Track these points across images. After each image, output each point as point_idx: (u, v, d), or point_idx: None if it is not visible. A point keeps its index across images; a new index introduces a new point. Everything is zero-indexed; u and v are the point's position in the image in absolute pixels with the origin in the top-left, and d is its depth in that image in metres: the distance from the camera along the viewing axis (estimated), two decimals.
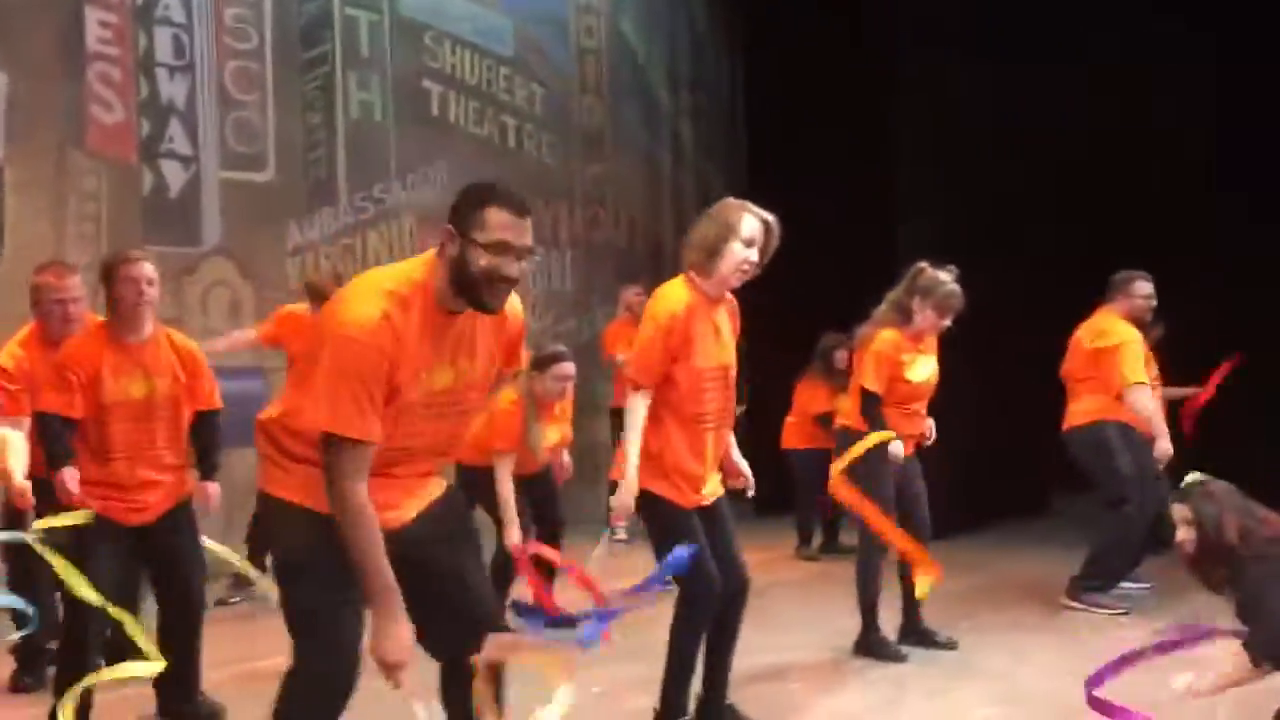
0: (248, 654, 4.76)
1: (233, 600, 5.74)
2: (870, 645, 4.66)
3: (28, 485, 3.69)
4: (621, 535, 7.90)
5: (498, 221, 2.36)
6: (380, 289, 2.38)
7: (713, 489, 3.57)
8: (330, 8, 7.71)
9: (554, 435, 5.24)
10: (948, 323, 4.65)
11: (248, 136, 7.23)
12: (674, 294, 3.45)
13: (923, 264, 4.67)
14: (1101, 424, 5.51)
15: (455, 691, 2.60)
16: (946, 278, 4.61)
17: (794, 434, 7.34)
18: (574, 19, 9.41)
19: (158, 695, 3.92)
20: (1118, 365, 5.36)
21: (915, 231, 7.32)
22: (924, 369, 4.69)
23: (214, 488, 4.04)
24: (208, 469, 4.04)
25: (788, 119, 9.36)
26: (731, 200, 3.56)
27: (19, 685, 4.30)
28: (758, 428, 7.06)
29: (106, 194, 6.48)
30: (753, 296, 3.67)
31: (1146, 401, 5.32)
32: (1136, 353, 5.43)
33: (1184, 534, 2.93)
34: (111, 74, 6.55)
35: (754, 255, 3.42)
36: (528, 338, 2.86)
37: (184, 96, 6.90)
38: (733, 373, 3.56)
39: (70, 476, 3.67)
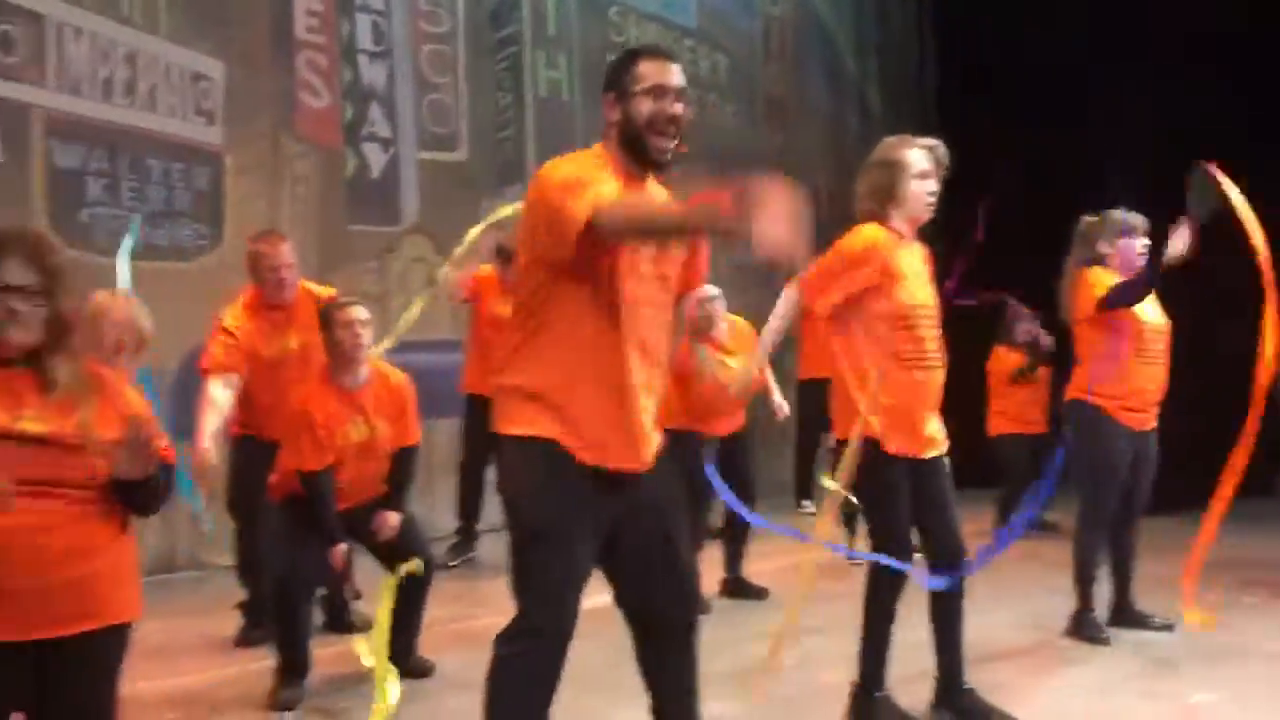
0: (462, 614, 4.97)
1: (451, 564, 5.96)
2: (1082, 626, 4.46)
3: (210, 449, 4.02)
4: (812, 508, 7.86)
5: (648, 69, 2.48)
6: (573, 157, 2.50)
7: (936, 445, 3.40)
8: None
9: (735, 364, 5.11)
10: (1143, 242, 4.34)
11: (442, 117, 7.46)
12: (873, 231, 3.33)
13: (1085, 217, 4.43)
14: None
15: (667, 660, 2.60)
16: (1113, 210, 4.40)
17: (1000, 420, 7.12)
18: None
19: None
20: None
21: (1110, 194, 6.94)
22: (1150, 309, 4.37)
23: (395, 518, 4.12)
24: (396, 502, 4.16)
25: (978, 82, 9.02)
26: (889, 139, 3.45)
27: (245, 640, 4.56)
28: (956, 405, 6.88)
29: (314, 176, 6.82)
30: (940, 277, 3.53)
31: None
32: None
33: None
34: (318, 61, 6.87)
35: (933, 185, 3.34)
36: None
37: (383, 81, 7.17)
38: (935, 315, 3.42)
39: (340, 553, 3.97)
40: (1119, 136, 7.76)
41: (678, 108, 2.48)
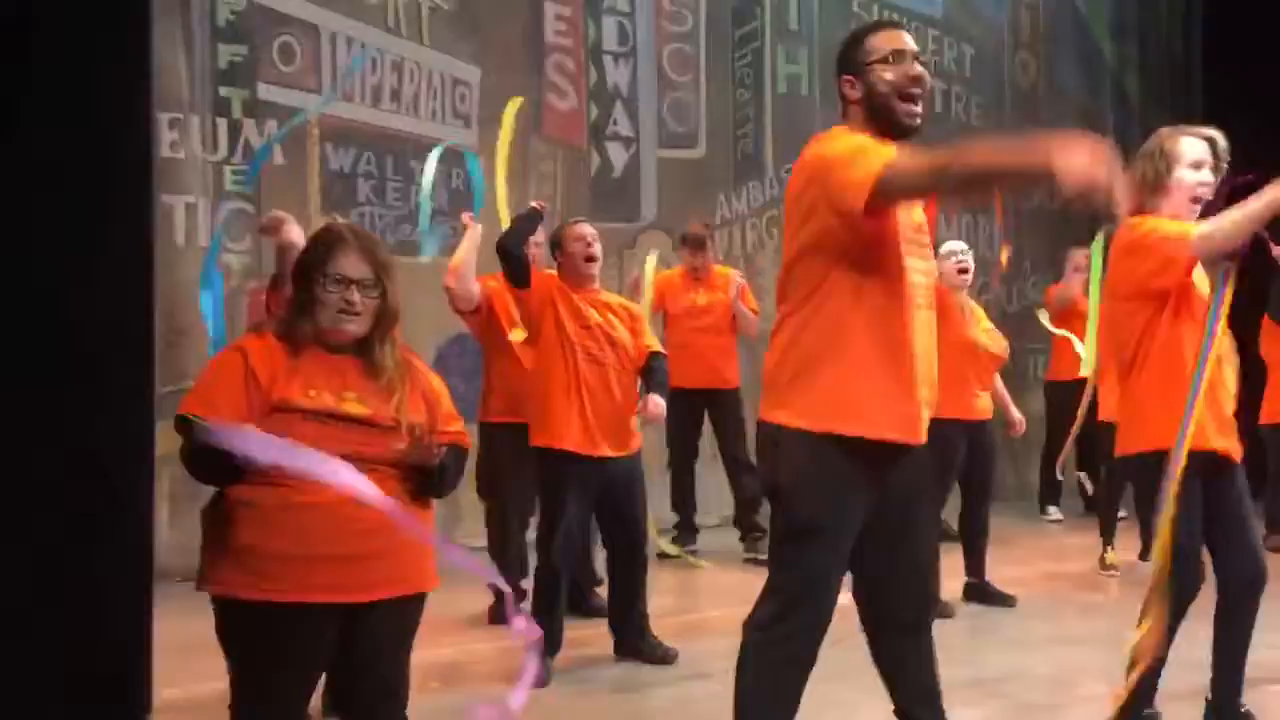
0: (687, 606, 5.04)
1: (672, 554, 6.05)
2: None
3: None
4: (1056, 514, 7.53)
5: (881, 40, 2.47)
6: (834, 133, 2.48)
7: (1229, 444, 3.13)
8: None
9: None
10: None
11: (682, 115, 7.56)
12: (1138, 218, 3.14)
13: None
14: None
15: (903, 660, 2.57)
16: None
17: (1275, 409, 6.55)
18: None
19: (614, 634, 4.23)
20: None
21: None
22: None
23: (659, 401, 4.12)
24: (655, 387, 4.20)
25: (1250, 66, 8.36)
26: (1162, 130, 3.24)
27: (496, 617, 4.73)
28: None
29: (560, 175, 7.05)
30: None
31: None
32: None
33: None
34: (566, 63, 7.10)
35: (1207, 176, 3.11)
36: None
37: (627, 81, 7.34)
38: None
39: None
40: None
41: (918, 68, 2.46)
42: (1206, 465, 3.08)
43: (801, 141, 8.67)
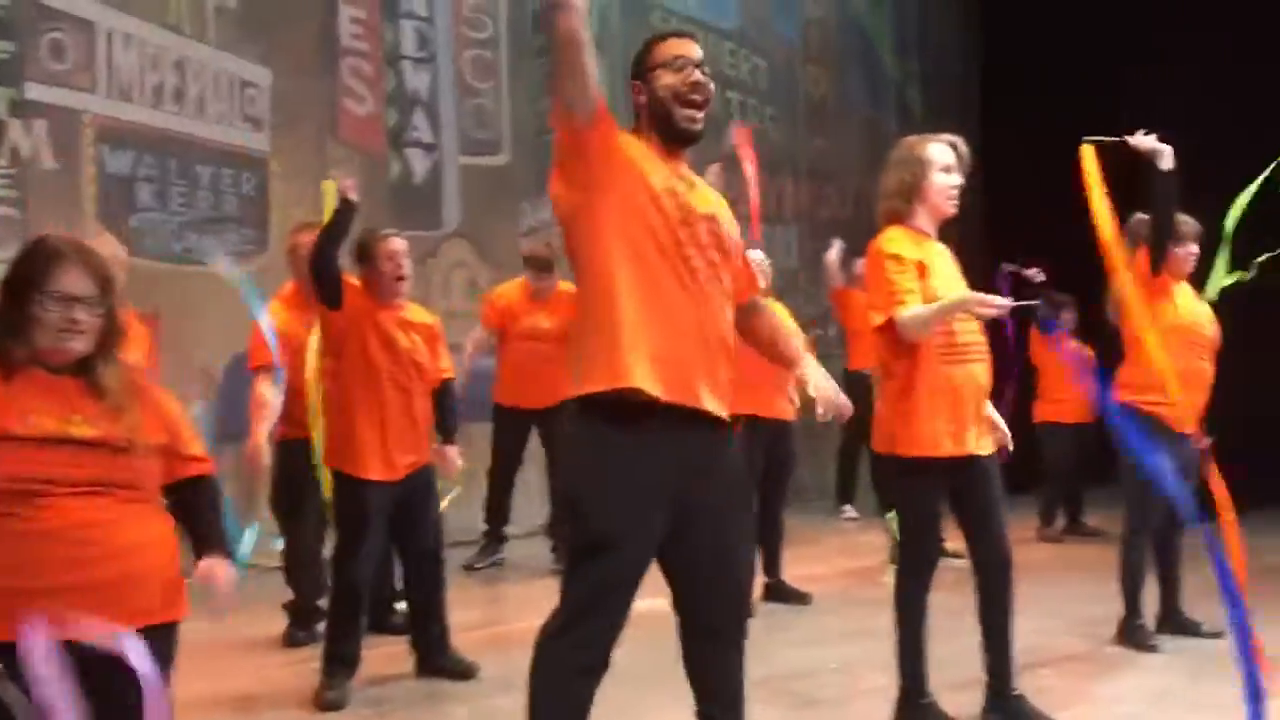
0: (494, 618, 5.00)
1: (477, 566, 6.00)
2: (1130, 633, 4.42)
3: (263, 448, 4.15)
4: (851, 513, 7.84)
5: (666, 48, 2.53)
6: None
7: (981, 443, 3.35)
8: None
9: None
10: (1192, 250, 4.30)
11: (484, 122, 7.51)
12: (896, 235, 3.34)
13: (1136, 215, 4.37)
14: None
15: (715, 664, 2.58)
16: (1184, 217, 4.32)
17: (1046, 407, 7.03)
18: None
19: (414, 651, 4.15)
20: None
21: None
22: (1192, 301, 4.33)
23: (454, 450, 4.22)
24: (449, 433, 4.22)
25: (1025, 80, 8.95)
26: (908, 139, 3.46)
27: (292, 640, 4.60)
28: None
29: (358, 181, 6.85)
30: (988, 274, 3.51)
31: None
32: None
33: None
34: (362, 67, 6.94)
35: (957, 179, 3.33)
36: None
37: (426, 87, 7.23)
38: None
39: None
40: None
41: (700, 75, 2.49)
42: (958, 467, 3.31)
43: None
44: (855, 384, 7.00)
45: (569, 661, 2.41)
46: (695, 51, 2.53)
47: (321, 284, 3.86)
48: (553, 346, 5.82)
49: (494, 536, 6.16)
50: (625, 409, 2.36)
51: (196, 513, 2.33)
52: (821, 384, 2.62)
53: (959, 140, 3.38)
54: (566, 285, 6.11)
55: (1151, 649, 4.33)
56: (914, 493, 3.40)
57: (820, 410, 2.70)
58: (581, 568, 2.44)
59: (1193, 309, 4.36)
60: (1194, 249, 4.35)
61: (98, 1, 5.91)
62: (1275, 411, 7.33)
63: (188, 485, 2.34)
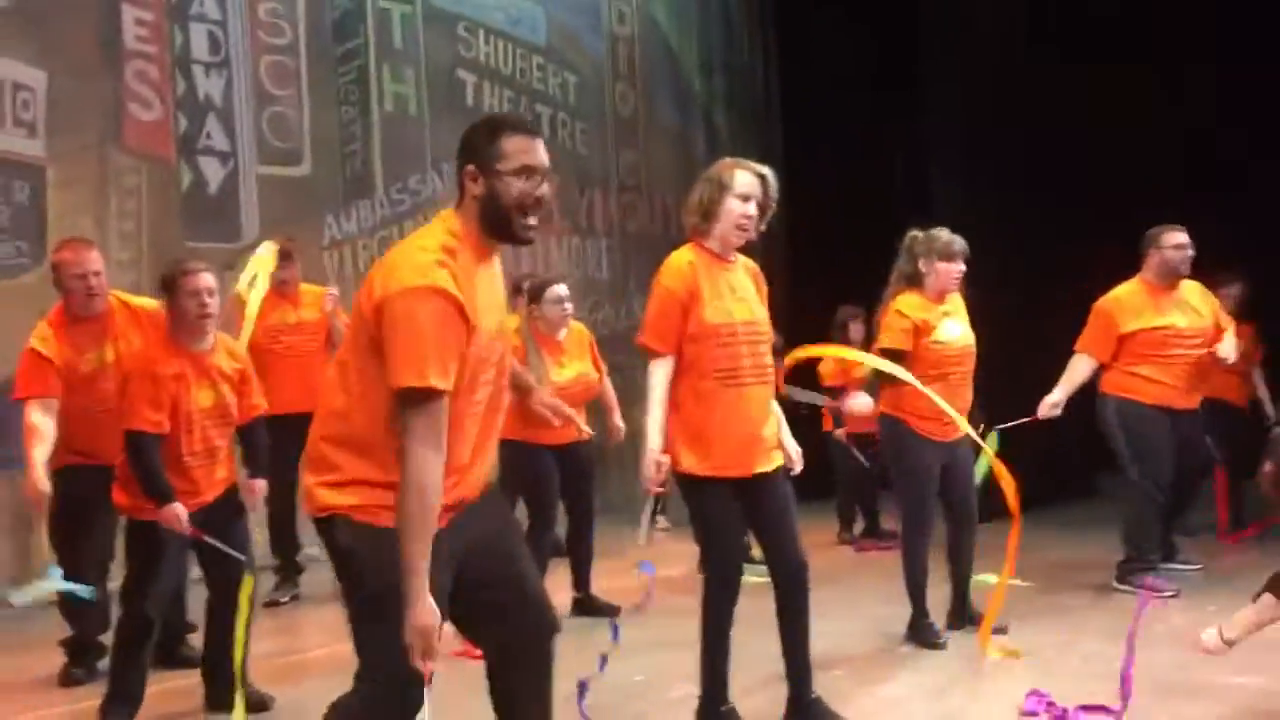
0: (291, 647, 4.82)
1: (282, 600, 5.75)
2: (918, 632, 4.61)
3: (43, 479, 3.91)
4: (664, 523, 7.92)
5: (516, 148, 2.38)
6: (426, 247, 2.33)
7: (767, 461, 3.47)
8: (363, 1, 7.73)
9: (569, 371, 5.18)
10: (960, 268, 4.55)
11: (284, 131, 7.28)
12: (678, 257, 3.45)
13: (912, 231, 4.64)
14: (1102, 398, 5.45)
15: (525, 685, 2.56)
16: (939, 230, 4.59)
17: (832, 416, 7.28)
18: (606, 6, 9.38)
19: (206, 685, 3.97)
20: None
21: (947, 209, 7.26)
22: (955, 329, 4.57)
23: (261, 484, 4.11)
24: (256, 471, 4.10)
25: (822, 103, 9.30)
26: (725, 159, 3.56)
27: (70, 679, 4.35)
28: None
29: (146, 191, 6.55)
30: (790, 285, 3.64)
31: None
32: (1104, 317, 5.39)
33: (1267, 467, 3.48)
34: (149, 71, 6.61)
35: (751, 209, 3.41)
36: None
37: (220, 93, 6.95)
38: (762, 331, 3.48)
39: (180, 513, 3.70)
40: (937, 159, 8.13)
41: (545, 188, 2.41)
42: (749, 484, 3.43)
43: (411, 161, 8.61)
44: None
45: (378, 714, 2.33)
46: (544, 159, 2.42)
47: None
48: (304, 340, 5.68)
49: (289, 566, 5.88)
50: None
51: None
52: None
53: (770, 173, 3.47)
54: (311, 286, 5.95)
55: (939, 645, 4.53)
56: (705, 509, 3.46)
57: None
58: (370, 623, 2.34)
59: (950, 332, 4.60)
60: (962, 268, 4.59)
61: None
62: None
63: None
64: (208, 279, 3.79)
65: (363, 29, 7.74)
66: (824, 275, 8.18)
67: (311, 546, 6.23)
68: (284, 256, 5.68)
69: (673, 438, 3.42)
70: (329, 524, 2.38)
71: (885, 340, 4.53)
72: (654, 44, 9.64)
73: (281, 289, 5.70)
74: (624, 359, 7.26)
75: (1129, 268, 5.51)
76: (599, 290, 9.05)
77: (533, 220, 2.41)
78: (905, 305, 4.53)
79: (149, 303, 4.46)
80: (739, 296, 3.45)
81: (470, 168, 2.40)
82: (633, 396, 8.07)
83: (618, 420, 5.43)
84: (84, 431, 4.23)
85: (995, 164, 7.85)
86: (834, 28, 9.21)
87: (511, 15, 8.65)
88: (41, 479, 3.98)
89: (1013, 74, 8.00)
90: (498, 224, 2.40)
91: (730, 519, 3.46)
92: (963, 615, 4.76)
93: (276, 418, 5.31)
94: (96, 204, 6.31)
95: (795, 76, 10.07)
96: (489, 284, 2.44)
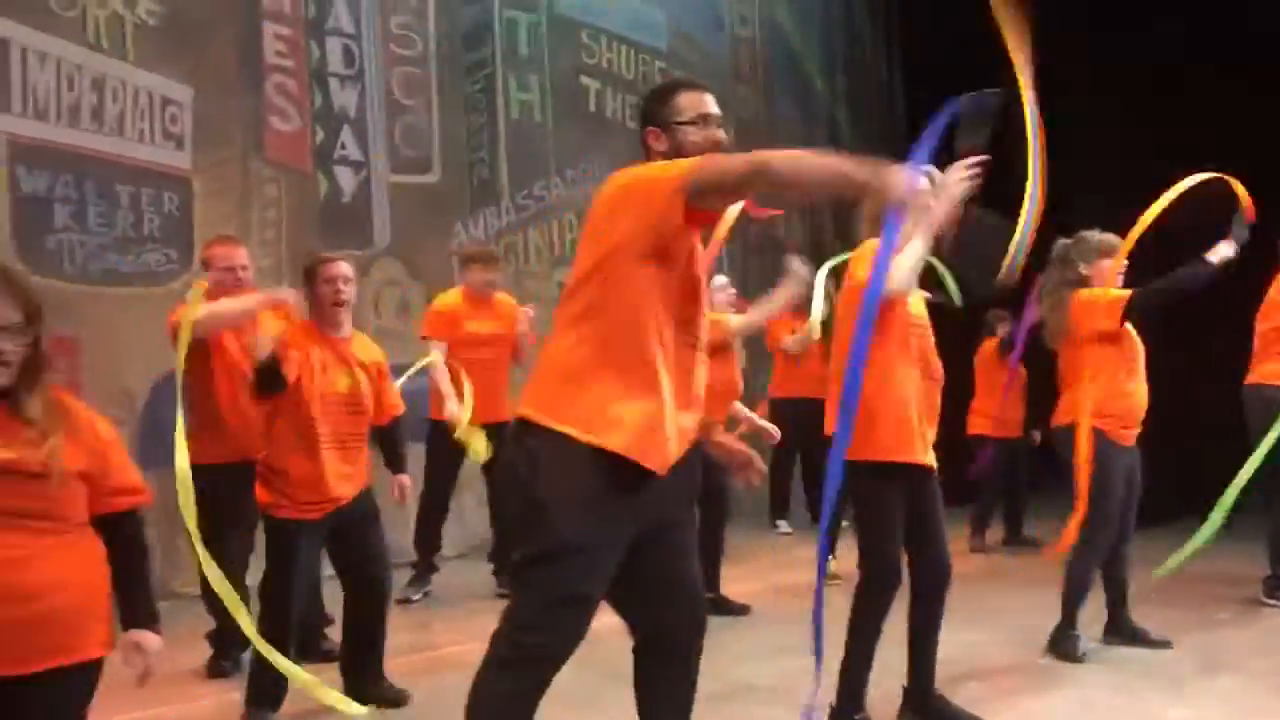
0: (424, 643, 4.92)
1: (414, 598, 5.86)
2: (1062, 643, 4.45)
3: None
4: (786, 528, 7.87)
5: (689, 102, 2.57)
6: None
7: (929, 456, 3.47)
8: (490, 11, 7.88)
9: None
10: (1123, 262, 4.43)
11: (414, 140, 7.45)
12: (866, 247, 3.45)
13: (1060, 240, 4.51)
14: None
15: (669, 681, 2.57)
16: (1088, 232, 4.49)
17: (980, 421, 7.13)
18: (728, 8, 9.36)
19: (345, 679, 4.07)
20: None
21: (1087, 203, 7.04)
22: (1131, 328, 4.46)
23: (407, 479, 4.21)
24: (399, 467, 4.20)
25: (949, 99, 9.12)
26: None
27: (216, 670, 4.51)
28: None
29: (285, 200, 6.78)
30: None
31: None
32: None
33: None
34: (288, 85, 6.85)
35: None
36: None
37: (354, 104, 7.15)
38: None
39: None
40: (1086, 157, 7.85)
41: (721, 133, 2.57)
42: (912, 476, 3.37)
43: (537, 166, 8.73)
44: (780, 410, 7.07)
45: (512, 684, 2.36)
46: (716, 107, 2.59)
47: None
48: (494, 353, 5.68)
49: (425, 565, 5.97)
50: (620, 463, 2.38)
51: (119, 558, 2.26)
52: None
53: (934, 170, 3.44)
54: (504, 298, 5.98)
55: (1079, 659, 4.38)
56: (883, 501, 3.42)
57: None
58: (538, 577, 2.38)
59: None
60: (1125, 262, 4.45)
61: (12, 19, 5.76)
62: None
63: (113, 520, 2.27)
64: (344, 267, 3.93)
65: (490, 39, 7.88)
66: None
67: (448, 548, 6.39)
68: (489, 261, 5.76)
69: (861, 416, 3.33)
70: (523, 424, 2.44)
71: (1105, 322, 4.32)
72: (776, 45, 9.58)
73: (484, 293, 5.75)
74: (748, 362, 7.24)
75: None
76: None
77: None
78: (1096, 292, 4.39)
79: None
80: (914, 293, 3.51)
81: (652, 129, 2.57)
82: (750, 402, 8.09)
83: (767, 425, 5.35)
84: (234, 421, 4.38)
85: (1126, 167, 7.59)
86: (961, 24, 9.01)
87: (633, 20, 8.71)
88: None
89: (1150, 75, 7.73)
90: None
91: (898, 514, 3.43)
92: (1122, 627, 4.59)
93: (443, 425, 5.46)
94: (239, 213, 6.56)
95: (919, 74, 9.89)
96: None
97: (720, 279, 5.46)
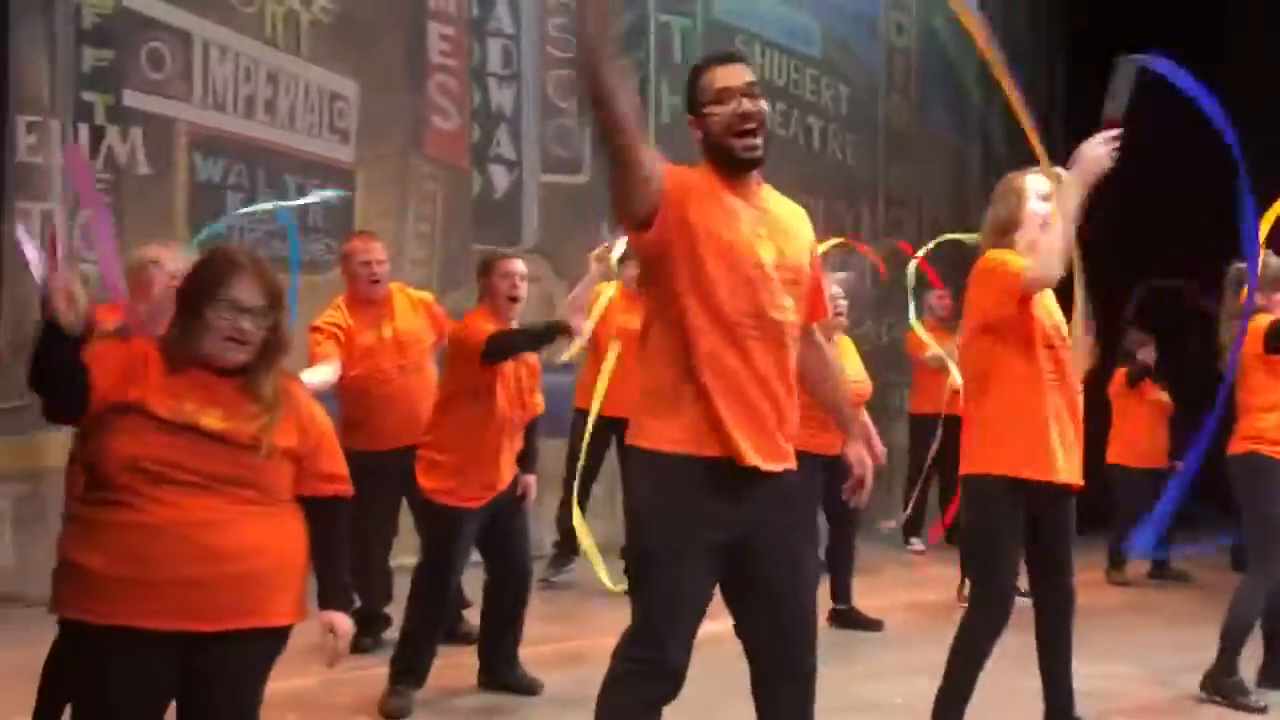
0: (566, 634, 4.99)
1: (554, 580, 5.97)
2: (1222, 685, 4.16)
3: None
4: (919, 545, 7.73)
5: (709, 80, 2.49)
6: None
7: (1069, 472, 3.31)
8: (646, 14, 7.95)
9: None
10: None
11: (566, 141, 7.57)
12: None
13: (1236, 264, 4.28)
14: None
15: (786, 703, 2.56)
16: (1273, 258, 4.24)
17: (1121, 449, 6.89)
18: (884, 17, 9.24)
19: (482, 663, 4.17)
20: None
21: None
22: None
23: (533, 480, 4.28)
24: (529, 467, 4.27)
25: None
26: (1008, 174, 3.50)
27: (358, 647, 4.61)
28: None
29: (442, 195, 6.98)
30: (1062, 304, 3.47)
31: None
32: None
33: None
34: (449, 84, 7.05)
35: (1048, 206, 3.31)
36: None
37: (511, 104, 7.32)
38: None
39: None
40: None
41: (747, 103, 2.46)
42: (1042, 495, 3.25)
43: None
44: (918, 426, 6.94)
45: (635, 693, 2.39)
46: (739, 77, 2.49)
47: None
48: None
49: (565, 548, 6.05)
50: (700, 464, 2.40)
51: (318, 539, 2.37)
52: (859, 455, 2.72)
53: (1062, 170, 3.32)
54: None
55: (1257, 708, 4.08)
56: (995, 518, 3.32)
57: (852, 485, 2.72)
58: (639, 586, 2.45)
59: None
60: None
61: (196, 14, 6.09)
62: None
63: (319, 504, 2.40)
64: (520, 264, 4.06)
65: (644, 42, 7.96)
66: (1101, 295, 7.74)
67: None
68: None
69: (987, 427, 3.29)
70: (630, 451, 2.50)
71: (1255, 346, 4.11)
72: (932, 55, 9.42)
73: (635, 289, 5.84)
74: (885, 375, 7.16)
75: None
76: (864, 305, 8.91)
77: (751, 140, 2.46)
78: (1262, 320, 4.18)
79: (426, 294, 4.84)
80: (1050, 298, 3.37)
81: (691, 119, 2.54)
82: (888, 414, 7.94)
83: (878, 445, 5.27)
84: (360, 405, 4.50)
85: None
86: (1125, 36, 8.70)
87: (787, 27, 8.67)
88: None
89: None
90: (722, 157, 2.49)
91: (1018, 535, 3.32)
92: (1275, 673, 4.35)
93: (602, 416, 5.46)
94: (398, 207, 6.78)
95: (1080, 87, 9.59)
96: (753, 216, 2.50)
97: (834, 289, 5.28)
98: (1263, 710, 4.09)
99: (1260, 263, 4.26)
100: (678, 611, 2.40)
